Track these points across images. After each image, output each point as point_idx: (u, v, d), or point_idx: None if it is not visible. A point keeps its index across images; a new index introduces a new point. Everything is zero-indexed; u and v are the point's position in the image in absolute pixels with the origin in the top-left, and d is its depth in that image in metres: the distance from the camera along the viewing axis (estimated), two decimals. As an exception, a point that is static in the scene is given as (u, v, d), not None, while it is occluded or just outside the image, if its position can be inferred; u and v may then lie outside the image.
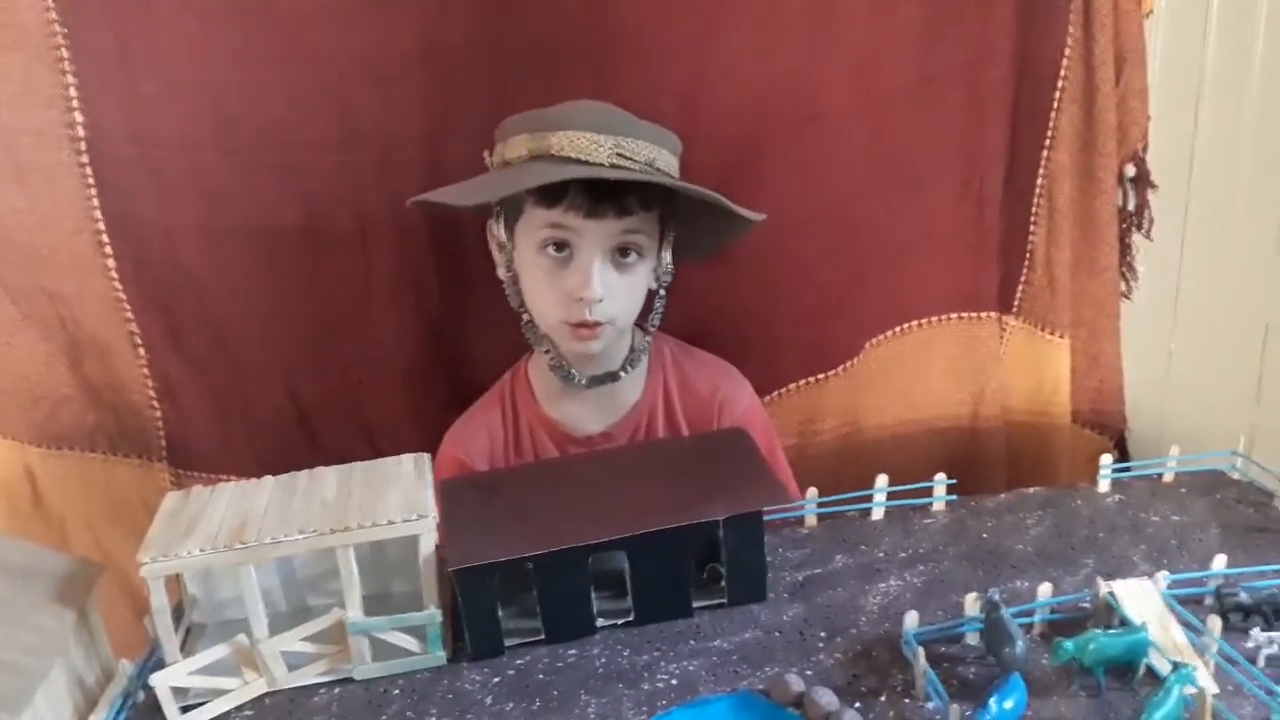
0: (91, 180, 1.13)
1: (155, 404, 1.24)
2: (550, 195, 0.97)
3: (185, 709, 0.81)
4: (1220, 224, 1.42)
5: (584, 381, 1.07)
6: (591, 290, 0.98)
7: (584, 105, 0.99)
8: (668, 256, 1.06)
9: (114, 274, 1.16)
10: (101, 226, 1.14)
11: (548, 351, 1.06)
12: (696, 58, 1.14)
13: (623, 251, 1.01)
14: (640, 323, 1.09)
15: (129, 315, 1.19)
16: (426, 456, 0.93)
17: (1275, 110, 1.35)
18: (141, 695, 0.84)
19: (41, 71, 1.08)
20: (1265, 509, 0.99)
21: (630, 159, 0.96)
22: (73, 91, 1.09)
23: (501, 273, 1.07)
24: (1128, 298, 1.34)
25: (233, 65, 1.11)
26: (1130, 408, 1.39)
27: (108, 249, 1.15)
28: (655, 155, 0.98)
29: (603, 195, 0.97)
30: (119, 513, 1.25)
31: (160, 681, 0.79)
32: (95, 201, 1.13)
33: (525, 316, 1.07)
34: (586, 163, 0.94)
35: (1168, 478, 1.05)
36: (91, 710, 0.81)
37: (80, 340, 1.20)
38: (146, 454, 1.26)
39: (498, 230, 1.04)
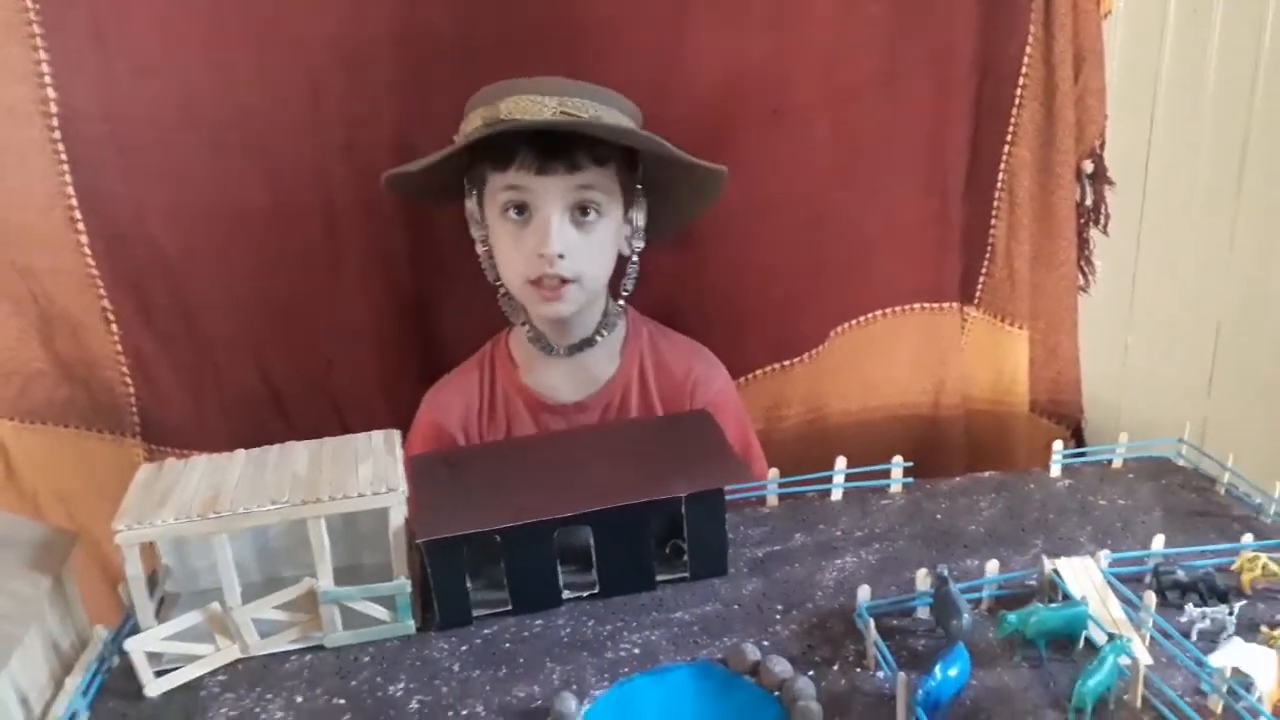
0: (64, 157, 1.13)
1: (128, 380, 1.25)
2: (502, 158, 1.01)
3: (159, 674, 0.82)
4: (1176, 221, 1.46)
5: (563, 351, 1.10)
6: (550, 245, 1.01)
7: (540, 78, 1.01)
8: (640, 219, 1.09)
9: (86, 250, 1.17)
10: (74, 203, 1.15)
11: (524, 323, 1.09)
12: (666, 49, 1.16)
13: (582, 210, 1.04)
14: (613, 290, 1.12)
15: (101, 292, 1.20)
16: (396, 433, 0.95)
17: (1230, 110, 1.39)
18: (116, 660, 0.86)
19: (13, 47, 1.09)
20: (1207, 494, 1.03)
21: (574, 115, 0.98)
22: (45, 68, 1.10)
23: (479, 248, 1.09)
24: (1085, 291, 1.38)
25: (205, 45, 1.12)
26: (1087, 398, 1.43)
27: (80, 226, 1.16)
28: (602, 113, 1.00)
29: (552, 152, 1.00)
30: (92, 487, 1.26)
31: (135, 646, 0.81)
32: (68, 178, 1.14)
33: (501, 289, 1.09)
34: (535, 119, 0.97)
35: (1116, 464, 1.09)
36: (67, 674, 0.83)
37: (53, 316, 1.21)
38: (120, 429, 1.27)
39: (470, 205, 1.06)
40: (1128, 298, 1.51)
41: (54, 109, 1.11)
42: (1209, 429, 1.51)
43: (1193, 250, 1.48)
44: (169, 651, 0.83)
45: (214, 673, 0.84)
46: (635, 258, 1.11)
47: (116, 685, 0.84)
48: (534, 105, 0.98)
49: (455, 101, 1.07)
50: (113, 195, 1.16)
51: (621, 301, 1.14)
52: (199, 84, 1.13)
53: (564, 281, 1.04)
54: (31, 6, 1.08)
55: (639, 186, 1.09)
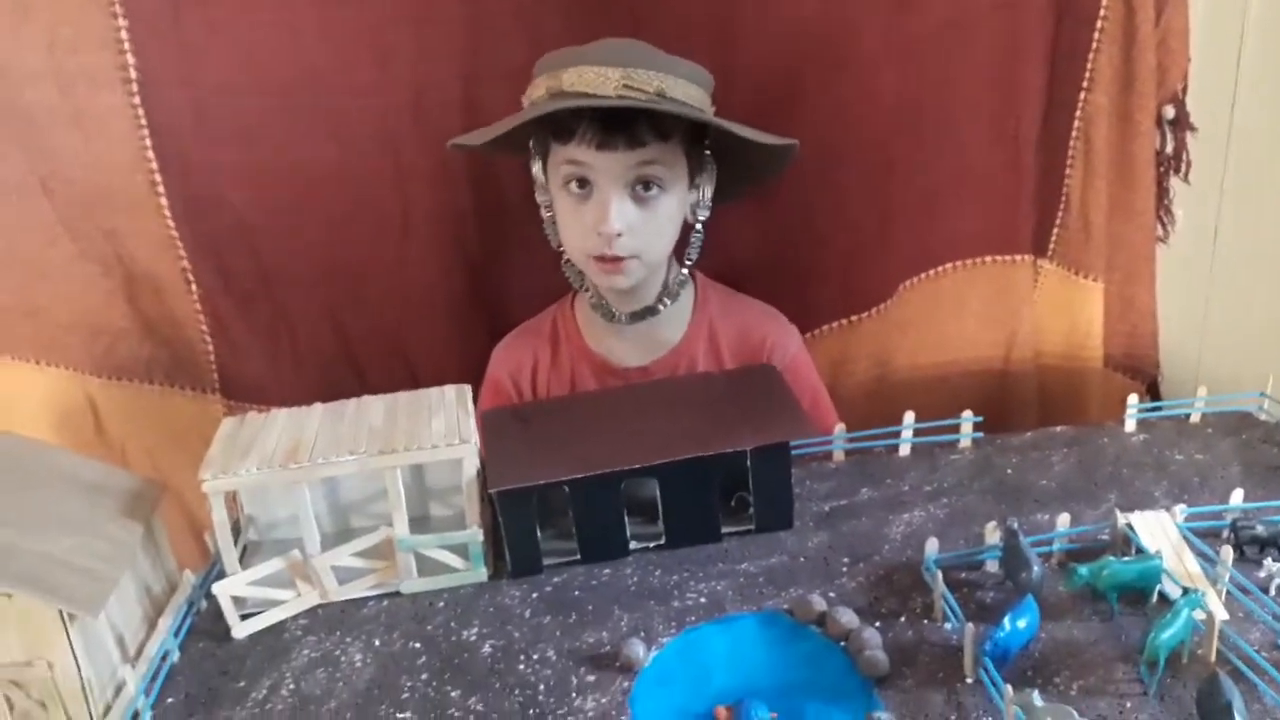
0: (144, 122, 1.16)
1: (207, 338, 1.29)
2: (564, 131, 1.00)
3: (244, 617, 0.86)
4: (1262, 169, 1.40)
5: (624, 318, 1.10)
6: (609, 224, 1.01)
7: (607, 42, 1.01)
8: (708, 192, 1.08)
9: (166, 213, 1.20)
10: (154, 167, 1.18)
11: (587, 289, 1.10)
12: None
13: (644, 185, 1.03)
14: (679, 257, 1.12)
15: (181, 253, 1.23)
16: (468, 388, 0.97)
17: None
18: (204, 604, 0.90)
19: (94, 15, 1.11)
20: (1289, 449, 1.00)
21: (638, 89, 0.97)
22: (124, 35, 1.12)
23: (544, 213, 1.10)
24: (1164, 242, 1.34)
25: (274, 8, 1.13)
26: (1165, 353, 1.39)
27: (160, 189, 1.19)
28: (667, 85, 0.98)
29: (614, 127, 0.99)
30: (176, 440, 1.31)
31: (222, 590, 0.85)
32: (148, 142, 1.17)
33: (564, 257, 1.10)
34: (593, 96, 0.96)
35: (1194, 418, 1.07)
36: (158, 616, 0.87)
37: (136, 276, 1.24)
38: (200, 385, 1.31)
39: (535, 169, 1.07)
40: (1209, 249, 1.45)
41: (133, 75, 1.14)
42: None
43: (1278, 199, 1.42)
44: (253, 596, 0.87)
45: (295, 617, 0.88)
46: (700, 228, 1.11)
47: (205, 627, 0.88)
48: (597, 78, 0.97)
49: (521, 62, 1.07)
50: (189, 159, 1.19)
51: (685, 270, 1.14)
52: (268, 47, 1.15)
53: (622, 259, 1.04)
54: None
55: (707, 154, 1.08)
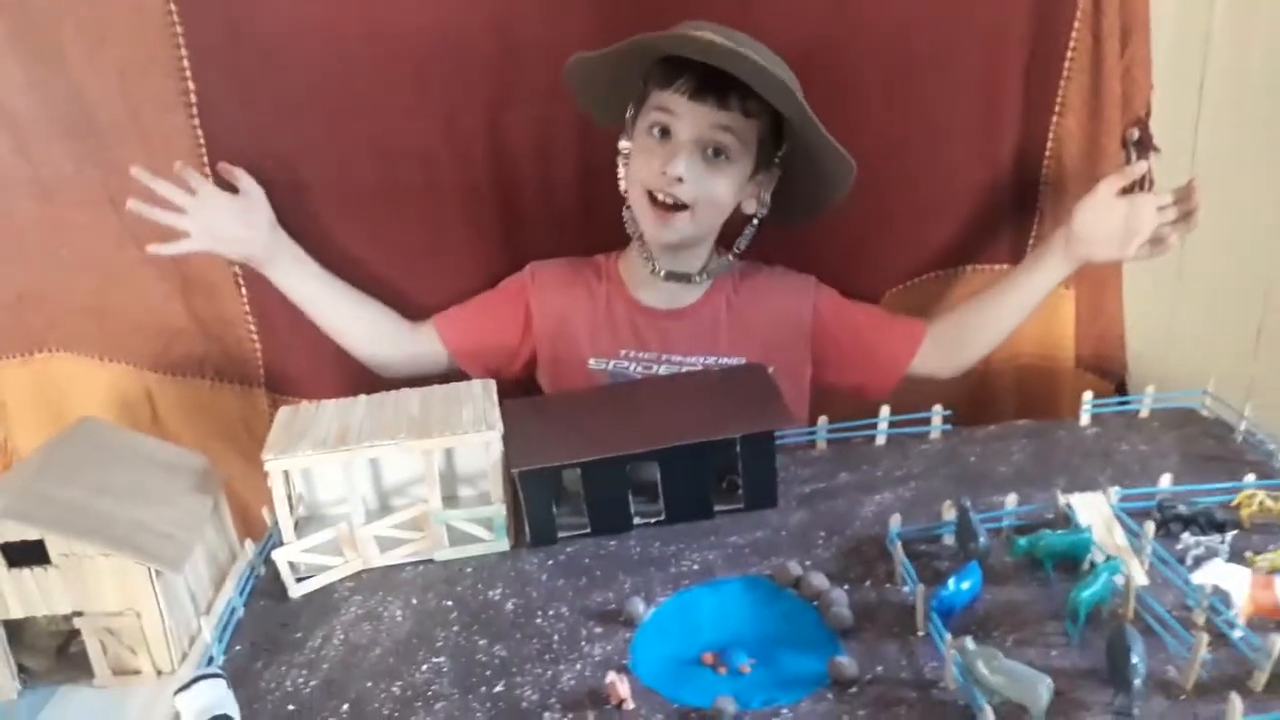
0: (202, 141, 1.28)
1: (255, 337, 1.40)
2: (668, 76, 1.16)
3: (298, 580, 0.99)
4: (1225, 186, 1.49)
5: (662, 274, 1.25)
6: (675, 167, 1.15)
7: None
8: (767, 193, 1.24)
9: None
10: (211, 181, 1.31)
11: (640, 238, 1.25)
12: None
13: (716, 151, 1.18)
14: (726, 246, 1.27)
15: (232, 259, 1.36)
16: (493, 382, 1.10)
17: (1278, 79, 1.43)
18: (262, 570, 1.03)
19: (160, 46, 1.23)
20: (1225, 441, 1.12)
21: (753, 55, 1.09)
22: (185, 64, 1.25)
23: (620, 161, 1.24)
24: (1130, 254, 1.45)
25: (322, 38, 1.25)
26: (1137, 356, 1.50)
27: None
28: (780, 71, 1.12)
29: (710, 85, 1.14)
30: (224, 432, 1.43)
31: (280, 556, 0.98)
32: (205, 158, 1.30)
33: (627, 205, 1.25)
34: (712, 41, 1.09)
35: (1143, 413, 1.19)
36: (223, 579, 1.01)
37: (192, 280, 1.36)
38: (247, 380, 1.43)
39: (629, 116, 1.23)
40: (1176, 260, 1.56)
41: (194, 99, 1.26)
42: (1256, 388, 1.56)
43: (1242, 215, 1.52)
44: (305, 562, 1.00)
45: (343, 580, 1.01)
46: (755, 221, 1.25)
47: (264, 588, 1.01)
48: (724, 37, 1.10)
49: (543, 90, 1.21)
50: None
51: (731, 256, 1.28)
52: (315, 75, 1.26)
53: (677, 207, 1.18)
54: (173, 8, 1.22)
55: (776, 161, 1.23)
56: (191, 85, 1.25)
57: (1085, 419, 1.18)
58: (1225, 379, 1.22)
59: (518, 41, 1.26)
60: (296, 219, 1.34)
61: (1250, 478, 0.99)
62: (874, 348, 1.36)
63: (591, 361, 1.29)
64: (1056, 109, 1.38)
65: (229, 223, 1.24)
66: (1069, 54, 1.34)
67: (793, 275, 1.36)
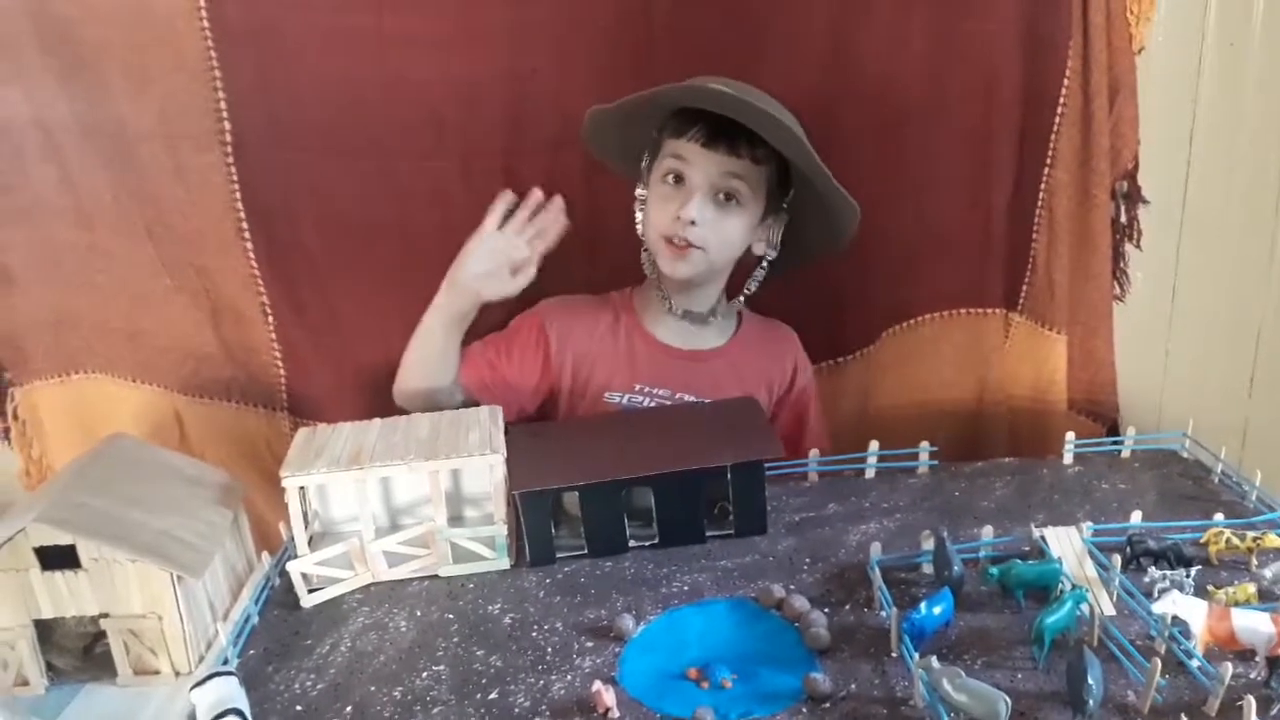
0: (235, 178, 1.36)
1: (279, 363, 1.47)
2: (682, 126, 1.24)
3: (310, 591, 1.05)
4: (1215, 234, 1.54)
5: (679, 312, 1.33)
6: (689, 211, 1.23)
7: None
8: (777, 234, 1.31)
9: (250, 255, 1.40)
10: (242, 215, 1.38)
11: (657, 277, 1.32)
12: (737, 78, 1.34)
13: (727, 196, 1.25)
14: (735, 289, 1.35)
15: (261, 289, 1.42)
16: (499, 408, 1.16)
17: (1264, 134, 1.49)
18: (277, 581, 1.09)
19: (199, 88, 1.32)
20: (1202, 482, 1.16)
21: (760, 106, 1.17)
22: (223, 105, 1.33)
23: (637, 205, 1.32)
24: (1121, 300, 1.50)
25: (346, 87, 1.34)
26: (1131, 399, 1.54)
27: (246, 234, 1.38)
28: (785, 119, 1.19)
29: (721, 134, 1.21)
30: (247, 453, 1.50)
31: (295, 567, 1.04)
32: (237, 194, 1.37)
33: (645, 245, 1.33)
34: (723, 92, 1.16)
35: (1125, 454, 1.23)
36: (240, 589, 1.07)
37: (221, 308, 1.44)
38: (271, 404, 1.50)
39: (644, 165, 1.31)
40: (1168, 305, 1.61)
41: (228, 139, 1.35)
42: (1250, 429, 1.60)
43: (1232, 261, 1.57)
44: (318, 574, 1.06)
45: (353, 592, 1.06)
46: (764, 264, 1.32)
47: (278, 598, 1.07)
48: (734, 88, 1.17)
49: (553, 137, 1.29)
50: (272, 209, 1.38)
51: (741, 299, 1.36)
52: (342, 119, 1.35)
53: (690, 246, 1.25)
54: (213, 55, 1.30)
55: (784, 206, 1.30)
56: (228, 125, 1.33)
57: (1069, 458, 1.22)
58: (1219, 420, 1.26)
59: (530, 94, 1.34)
60: (321, 252, 1.42)
61: (1219, 516, 1.04)
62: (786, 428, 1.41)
63: (607, 395, 1.34)
64: (1048, 161, 1.44)
65: None
66: (1060, 108, 1.41)
67: (782, 327, 1.44)
